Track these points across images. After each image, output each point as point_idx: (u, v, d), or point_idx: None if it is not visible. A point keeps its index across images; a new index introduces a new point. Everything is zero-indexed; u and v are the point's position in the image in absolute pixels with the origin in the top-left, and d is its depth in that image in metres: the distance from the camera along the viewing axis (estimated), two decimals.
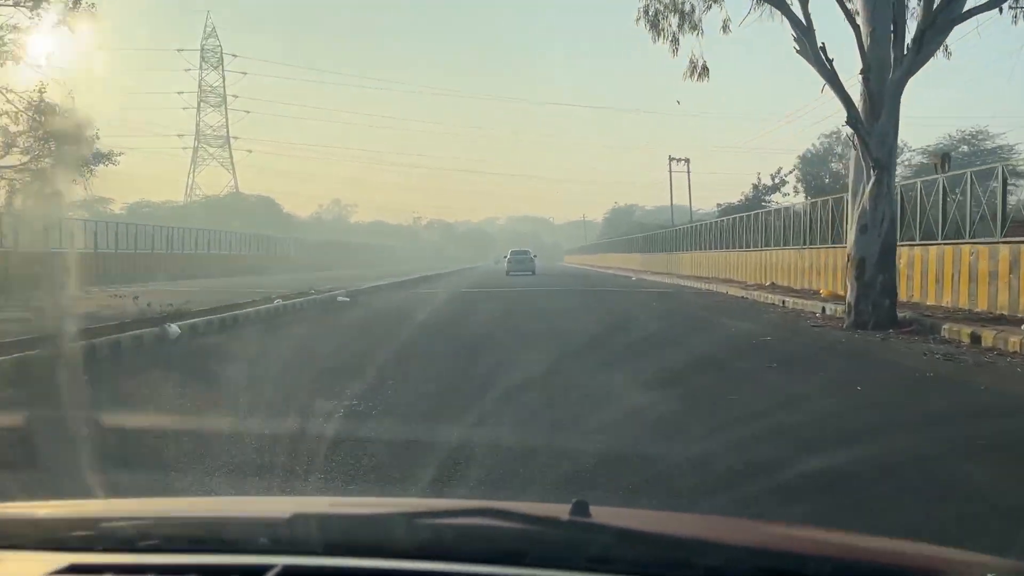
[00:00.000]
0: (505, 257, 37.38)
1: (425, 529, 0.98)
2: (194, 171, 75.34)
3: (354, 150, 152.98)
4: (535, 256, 37.09)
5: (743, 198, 42.83)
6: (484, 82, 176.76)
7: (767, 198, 41.94)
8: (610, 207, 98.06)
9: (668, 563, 0.91)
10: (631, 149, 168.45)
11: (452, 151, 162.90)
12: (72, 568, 0.94)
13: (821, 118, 41.53)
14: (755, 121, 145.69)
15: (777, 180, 43.01)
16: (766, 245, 21.81)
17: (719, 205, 46.15)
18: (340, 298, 16.10)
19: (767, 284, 20.02)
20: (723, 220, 28.74)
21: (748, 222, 24.50)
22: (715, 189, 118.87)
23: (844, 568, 0.92)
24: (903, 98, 10.26)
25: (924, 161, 41.15)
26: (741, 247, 24.84)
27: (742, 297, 17.70)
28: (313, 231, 76.68)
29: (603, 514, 1.05)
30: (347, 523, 1.05)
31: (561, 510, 1.02)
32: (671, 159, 46.88)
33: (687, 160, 46.65)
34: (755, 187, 41.83)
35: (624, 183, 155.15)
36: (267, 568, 0.91)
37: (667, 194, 50.04)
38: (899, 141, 10.96)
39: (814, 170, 43.68)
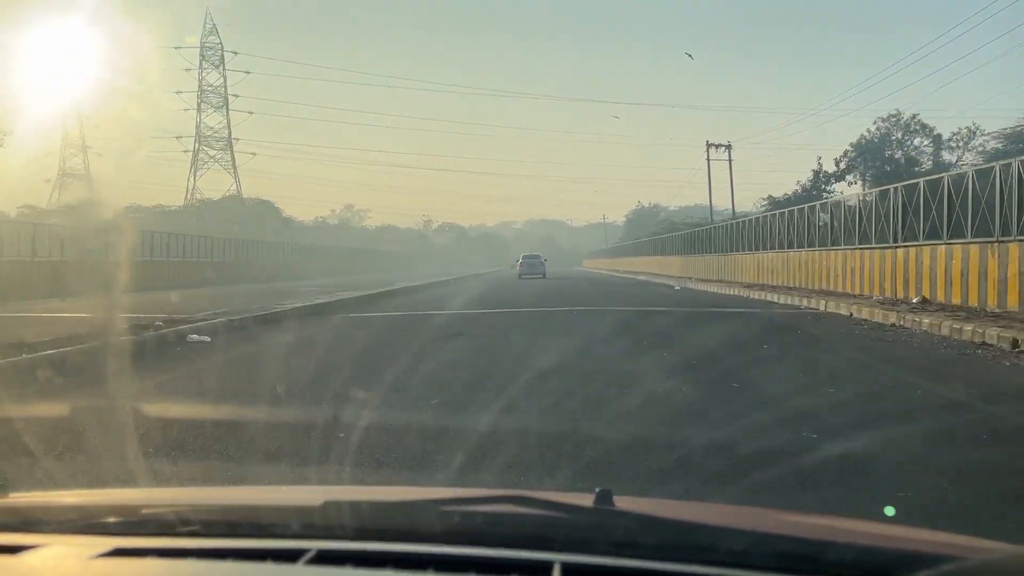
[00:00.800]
0: (518, 262, 38.82)
1: (454, 515, 0.99)
2: (195, 175, 71.00)
3: (364, 152, 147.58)
4: (545, 260, 39.08)
5: (799, 188, 35.98)
6: (498, 79, 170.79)
7: (828, 187, 35.01)
8: (631, 208, 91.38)
9: (690, 547, 0.91)
10: (653, 146, 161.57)
11: (466, 152, 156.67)
12: (117, 551, 0.98)
13: (874, 99, 35.13)
14: (791, 112, 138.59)
15: (843, 165, 36.12)
16: (896, 241, 14.76)
17: (768, 199, 39.25)
18: (192, 337, 9.31)
19: (915, 300, 13.00)
20: (796, 211, 21.29)
21: (853, 212, 17.23)
22: (750, 186, 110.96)
23: (864, 553, 0.92)
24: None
25: (999, 146, 34.86)
26: (835, 244, 17.91)
27: (899, 327, 10.48)
28: (318, 236, 71.71)
29: (626, 502, 1.08)
30: (377, 509, 1.06)
31: (586, 498, 1.05)
32: (709, 146, 39.78)
33: (728, 146, 39.46)
34: (816, 174, 35.03)
35: (647, 182, 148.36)
36: (303, 552, 0.93)
37: (696, 192, 43.20)
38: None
39: (872, 158, 36.87)
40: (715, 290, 22.28)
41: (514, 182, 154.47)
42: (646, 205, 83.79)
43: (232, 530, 1.03)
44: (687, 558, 0.90)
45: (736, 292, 20.55)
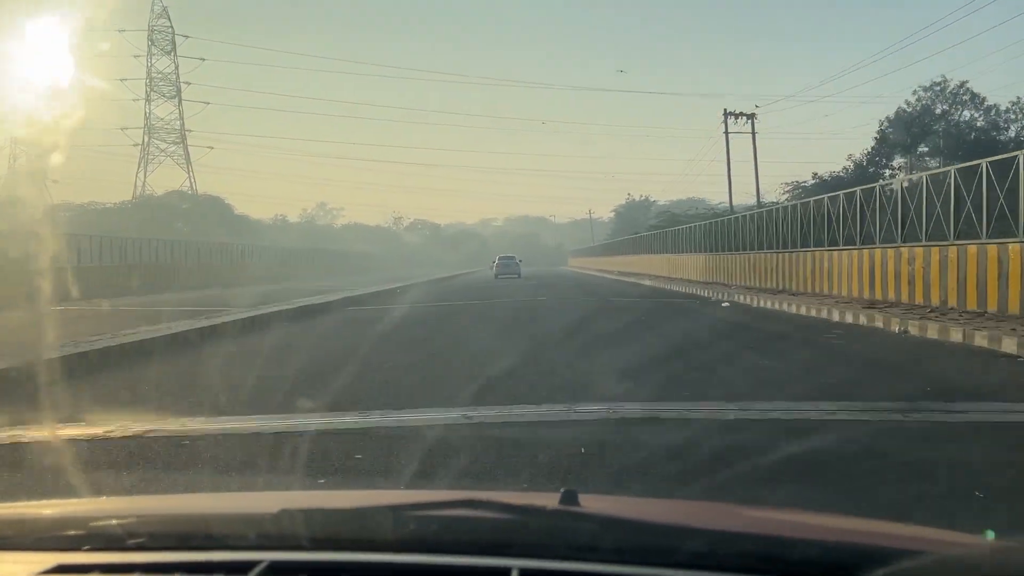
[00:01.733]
0: (495, 263, 40.43)
1: (409, 521, 0.97)
2: (145, 170, 64.84)
3: (333, 145, 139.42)
4: (520, 261, 41.17)
5: (850, 165, 29.64)
6: (477, 67, 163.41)
7: (892, 164, 28.65)
8: (619, 203, 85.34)
9: (653, 549, 0.91)
10: (643, 137, 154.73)
11: (443, 146, 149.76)
12: (59, 568, 0.95)
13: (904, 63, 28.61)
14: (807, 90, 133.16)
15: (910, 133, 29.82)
16: None
17: (791, 184, 32.99)
18: None
19: None
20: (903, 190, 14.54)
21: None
22: (764, 175, 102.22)
23: (830, 550, 0.92)
24: None
25: None
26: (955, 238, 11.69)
27: None
28: (279, 236, 65.83)
29: (592, 502, 1.06)
30: (332, 517, 1.04)
31: (550, 499, 1.04)
32: (727, 116, 33.24)
33: (751, 116, 32.64)
34: (875, 147, 28.81)
35: (636, 175, 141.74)
36: (254, 564, 0.91)
37: (690, 187, 36.29)
38: None
39: (911, 132, 30.81)
40: (776, 308, 14.93)
41: (493, 177, 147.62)
42: (637, 198, 77.86)
43: (182, 542, 1.00)
44: (648, 560, 0.89)
45: (803, 311, 13.59)
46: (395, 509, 1.01)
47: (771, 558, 0.89)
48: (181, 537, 1.02)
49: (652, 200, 74.95)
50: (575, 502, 1.03)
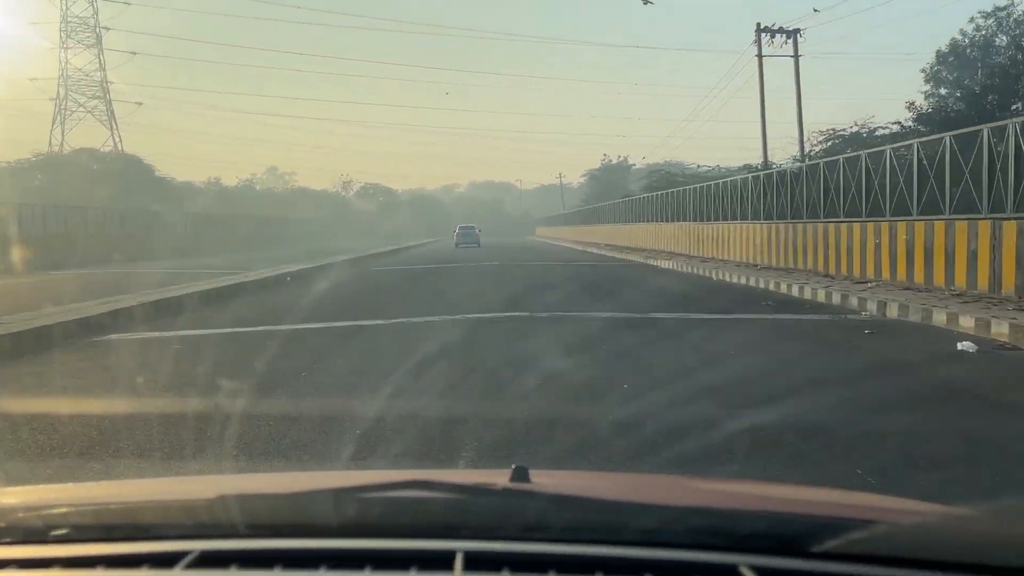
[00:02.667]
0: (455, 232, 42.39)
1: (351, 505, 0.94)
2: (62, 127, 57.29)
3: (278, 102, 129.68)
4: (480, 231, 43.10)
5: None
6: (436, 15, 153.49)
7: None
8: (591, 167, 78.98)
9: (602, 527, 0.90)
10: (618, 92, 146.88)
11: (401, 104, 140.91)
12: None
13: None
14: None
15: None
16: None
17: (827, 132, 26.64)
18: None
19: None
20: None
21: None
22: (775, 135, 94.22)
23: (779, 523, 0.92)
24: None
25: None
26: None
27: None
28: (216, 202, 58.85)
29: (542, 478, 1.06)
30: (271, 502, 1.01)
31: (501, 476, 1.02)
32: (761, 32, 24.67)
33: (794, 32, 24.04)
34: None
35: (610, 138, 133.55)
36: (183, 555, 0.87)
37: (677, 151, 29.31)
38: None
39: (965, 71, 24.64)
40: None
41: (457, 139, 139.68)
42: (614, 160, 70.89)
43: (108, 533, 0.94)
44: (598, 538, 0.88)
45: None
46: (337, 492, 0.98)
47: (720, 532, 0.89)
48: (107, 528, 0.95)
49: (631, 163, 68.23)
50: (525, 479, 1.03)
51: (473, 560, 0.83)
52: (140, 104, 71.41)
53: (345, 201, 77.60)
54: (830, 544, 0.83)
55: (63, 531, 0.94)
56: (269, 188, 74.47)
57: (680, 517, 0.93)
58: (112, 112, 58.72)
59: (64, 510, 1.00)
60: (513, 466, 1.04)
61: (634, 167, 66.47)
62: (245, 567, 0.85)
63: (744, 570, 0.82)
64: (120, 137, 58.04)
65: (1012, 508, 1.93)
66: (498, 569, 0.82)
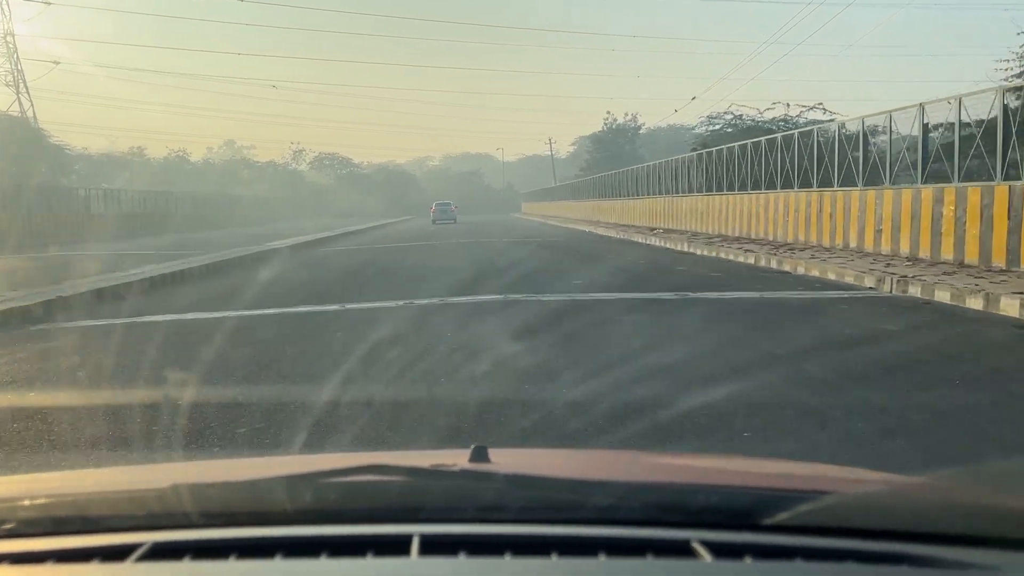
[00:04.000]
0: (432, 208, 43.57)
1: (306, 491, 0.94)
2: None
3: (223, 63, 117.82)
4: (456, 208, 44.31)
5: None
6: None
7: None
8: (581, 134, 69.22)
9: (558, 506, 0.91)
10: (612, 48, 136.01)
11: (367, 70, 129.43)
12: None
13: None
14: None
15: None
16: None
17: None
18: None
19: None
20: None
21: None
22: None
23: (731, 497, 0.94)
24: None
25: None
26: None
27: None
28: (135, 174, 48.86)
29: (500, 457, 1.07)
30: (224, 491, 0.99)
31: (460, 456, 1.04)
32: None
33: None
34: None
35: (601, 102, 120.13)
36: (135, 547, 0.86)
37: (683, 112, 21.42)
38: None
39: None
40: None
41: (427, 109, 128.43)
42: (620, 121, 58.66)
43: (57, 527, 0.92)
44: (554, 518, 0.88)
45: None
46: (291, 479, 0.98)
47: (674, 508, 0.91)
48: (56, 521, 0.93)
49: (638, 124, 58.10)
50: (484, 458, 1.03)
51: (429, 543, 0.83)
52: (57, 63, 61.06)
53: (298, 175, 67.05)
54: (781, 517, 0.86)
55: (10, 525, 0.93)
56: (207, 160, 64.03)
57: (635, 493, 0.95)
58: (22, 73, 48.71)
59: (10, 504, 0.98)
60: (472, 446, 1.05)
61: (644, 129, 56.45)
62: (199, 558, 0.85)
63: (696, 545, 0.83)
64: (31, 100, 48.33)
65: (955, 476, 2.02)
66: (454, 552, 0.82)
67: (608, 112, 58.30)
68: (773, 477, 1.13)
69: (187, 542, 0.86)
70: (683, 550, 0.82)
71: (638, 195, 29.90)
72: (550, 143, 70.54)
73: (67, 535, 0.89)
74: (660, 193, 26.71)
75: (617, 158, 47.09)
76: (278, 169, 66.53)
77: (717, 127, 29.29)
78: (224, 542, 0.86)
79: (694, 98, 77.44)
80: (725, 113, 28.73)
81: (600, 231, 27.40)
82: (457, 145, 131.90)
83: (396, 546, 0.83)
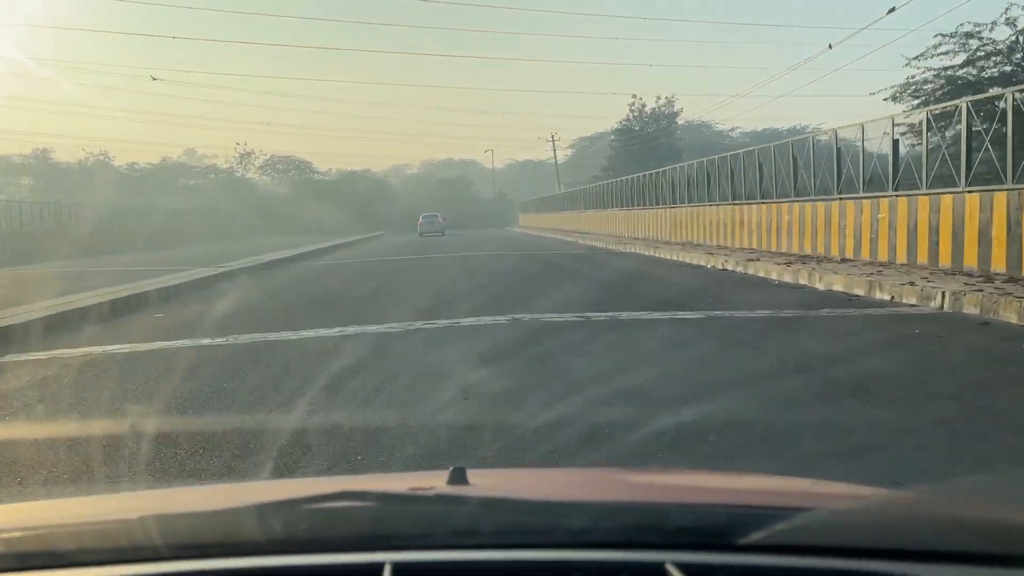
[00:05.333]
0: (420, 221, 42.43)
1: (278, 520, 0.92)
2: None
3: (171, 53, 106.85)
4: (444, 219, 43.27)
5: None
6: None
7: None
8: (579, 136, 59.26)
9: (532, 530, 0.90)
10: (616, 36, 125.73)
11: (333, 74, 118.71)
12: None
13: None
14: None
15: None
16: None
17: None
18: None
19: None
20: None
21: None
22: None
23: (706, 515, 0.94)
24: None
25: None
26: None
27: None
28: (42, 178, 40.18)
29: (479, 478, 1.07)
30: (193, 521, 0.97)
31: (439, 478, 1.04)
32: None
33: None
34: None
35: (605, 99, 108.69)
36: None
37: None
38: None
39: None
40: None
41: (406, 113, 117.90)
42: (654, 105, 45.61)
43: (21, 562, 0.89)
44: (527, 542, 0.87)
45: None
46: (262, 508, 0.97)
47: (649, 529, 0.90)
48: (20, 557, 0.91)
49: (676, 110, 45.87)
50: (463, 480, 1.03)
51: (402, 571, 0.83)
52: None
53: (246, 183, 56.06)
54: (755, 536, 0.85)
55: None
56: (133, 165, 52.97)
57: (609, 515, 0.95)
58: None
59: None
60: (451, 467, 1.05)
61: (681, 117, 44.95)
62: None
63: (670, 567, 0.82)
64: None
65: (928, 492, 2.00)
66: None
67: (635, 96, 46.33)
68: (747, 494, 1.15)
69: (155, 575, 0.86)
70: (657, 573, 0.82)
71: (704, 202, 20.08)
72: (552, 141, 59.97)
73: (30, 571, 0.88)
74: (741, 199, 17.32)
75: (649, 156, 37.26)
76: (221, 176, 55.60)
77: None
78: (193, 574, 0.85)
79: (731, 99, 67.68)
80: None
81: (663, 253, 17.80)
82: (439, 150, 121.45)
83: (368, 574, 0.82)
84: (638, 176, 28.19)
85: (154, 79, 40.46)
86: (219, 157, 59.01)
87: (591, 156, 71.88)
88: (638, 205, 27.31)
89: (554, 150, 59.61)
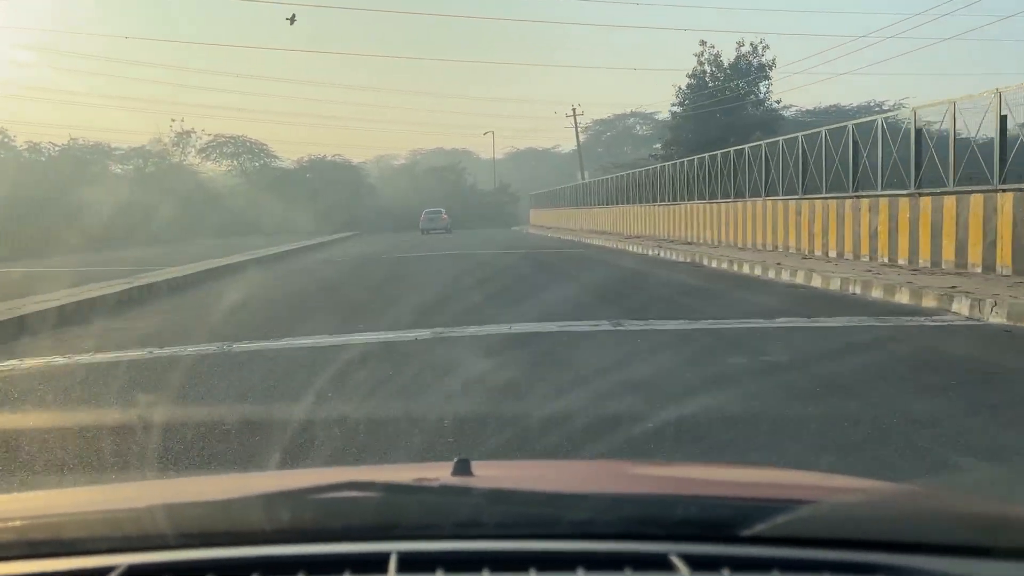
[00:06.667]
0: (421, 218, 39.21)
1: (284, 509, 0.93)
2: None
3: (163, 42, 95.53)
4: (447, 216, 39.43)
5: None
6: None
7: None
8: (595, 118, 48.75)
9: (537, 521, 0.91)
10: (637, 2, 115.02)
11: (318, 65, 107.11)
12: None
13: None
14: None
15: None
16: None
17: None
18: None
19: None
20: None
21: None
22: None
23: (710, 508, 0.95)
24: None
25: None
26: None
27: None
28: None
29: (483, 470, 1.07)
30: (201, 510, 0.99)
31: (443, 469, 1.04)
32: None
33: None
34: None
35: (622, 76, 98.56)
36: (109, 570, 0.86)
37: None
38: None
39: None
40: None
41: (389, 98, 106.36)
42: (723, 56, 32.75)
43: (31, 550, 0.90)
44: (532, 533, 0.88)
45: None
46: (269, 497, 0.98)
47: (652, 520, 0.90)
48: (30, 544, 0.92)
49: (768, 60, 31.90)
50: (467, 471, 1.03)
51: (407, 561, 0.84)
52: None
53: (184, 171, 44.38)
54: (758, 528, 0.86)
55: None
56: (36, 146, 41.82)
57: (613, 506, 0.95)
58: None
59: None
60: (455, 459, 1.05)
61: (776, 70, 31.87)
62: None
63: (674, 559, 0.83)
64: None
65: (930, 485, 1.94)
66: (432, 569, 0.82)
67: (703, 43, 32.21)
68: (751, 486, 1.15)
69: (163, 563, 0.86)
70: (661, 564, 0.82)
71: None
72: (574, 114, 48.50)
73: (40, 558, 0.89)
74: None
75: (729, 126, 26.81)
76: (152, 161, 44.11)
77: None
78: (200, 563, 0.86)
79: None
80: None
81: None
82: (428, 138, 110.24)
83: (374, 564, 0.83)
84: (731, 151, 18.18)
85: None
86: (147, 135, 47.09)
87: (606, 143, 61.72)
88: (746, 196, 17.33)
89: (575, 128, 48.58)
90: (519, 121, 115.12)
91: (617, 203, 27.53)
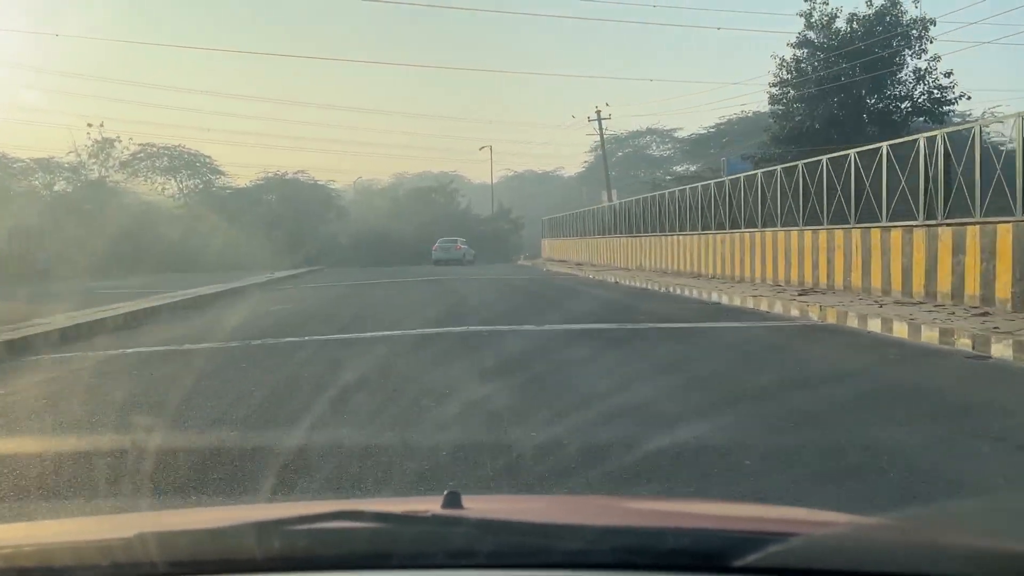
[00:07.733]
0: (434, 247, 35.38)
1: (276, 538, 0.93)
2: None
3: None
4: (464, 245, 35.47)
5: None
6: None
7: None
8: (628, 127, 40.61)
9: (529, 551, 0.91)
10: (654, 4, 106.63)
11: (296, 77, 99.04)
12: None
13: None
14: None
15: None
16: None
17: None
18: None
19: None
20: None
21: None
22: None
23: (701, 539, 0.94)
24: None
25: None
26: None
27: None
28: None
29: (474, 503, 1.07)
30: (192, 538, 0.98)
31: (433, 502, 1.04)
32: None
33: None
34: None
35: (633, 85, 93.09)
36: None
37: None
38: None
39: None
40: None
41: (369, 120, 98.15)
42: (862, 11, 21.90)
43: None
44: (525, 563, 0.88)
45: None
46: (260, 525, 0.96)
47: (644, 551, 0.90)
48: (21, 572, 0.92)
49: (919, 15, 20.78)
50: (457, 504, 1.03)
51: None
52: None
53: (110, 191, 34.63)
54: (750, 559, 0.85)
55: None
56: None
57: (605, 537, 0.94)
58: None
59: None
60: (445, 491, 1.05)
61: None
62: None
63: None
64: None
65: (919, 516, 1.90)
66: None
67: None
68: (742, 520, 1.18)
69: None
70: None
71: None
72: (598, 117, 39.25)
73: None
74: None
75: (855, 104, 18.36)
76: (65, 175, 34.77)
77: None
78: None
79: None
80: None
81: None
82: (420, 161, 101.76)
83: None
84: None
85: None
86: (60, 149, 37.47)
87: (617, 164, 54.17)
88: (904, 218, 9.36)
89: (600, 133, 39.48)
90: (518, 137, 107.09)
91: (685, 231, 19.29)
